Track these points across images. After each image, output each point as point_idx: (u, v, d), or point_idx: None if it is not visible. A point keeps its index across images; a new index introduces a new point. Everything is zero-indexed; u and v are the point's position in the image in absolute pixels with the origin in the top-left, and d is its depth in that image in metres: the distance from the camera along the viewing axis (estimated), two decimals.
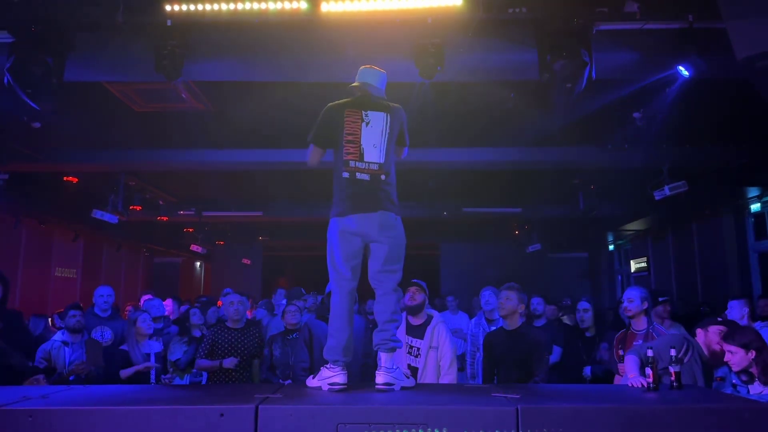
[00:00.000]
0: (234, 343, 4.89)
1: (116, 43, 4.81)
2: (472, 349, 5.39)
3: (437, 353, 4.16)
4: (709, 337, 3.54)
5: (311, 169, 3.28)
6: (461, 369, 5.33)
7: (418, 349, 4.18)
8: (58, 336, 4.99)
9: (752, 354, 3.26)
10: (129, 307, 7.34)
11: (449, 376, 4.14)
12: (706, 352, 3.56)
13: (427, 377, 4.11)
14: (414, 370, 4.08)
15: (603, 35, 4.55)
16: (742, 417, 2.47)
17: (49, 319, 7.25)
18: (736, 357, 3.30)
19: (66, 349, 4.82)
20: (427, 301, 4.35)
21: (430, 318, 4.28)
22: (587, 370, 4.83)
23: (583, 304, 5.17)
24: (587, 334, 5.09)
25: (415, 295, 4.25)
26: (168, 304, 7.31)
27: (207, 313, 6.63)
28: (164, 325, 6.22)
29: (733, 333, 3.39)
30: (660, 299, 6.02)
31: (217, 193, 11.62)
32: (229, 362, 4.76)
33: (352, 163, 3.12)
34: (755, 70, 3.89)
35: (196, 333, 5.90)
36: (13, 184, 8.38)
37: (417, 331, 4.25)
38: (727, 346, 3.35)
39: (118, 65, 5.00)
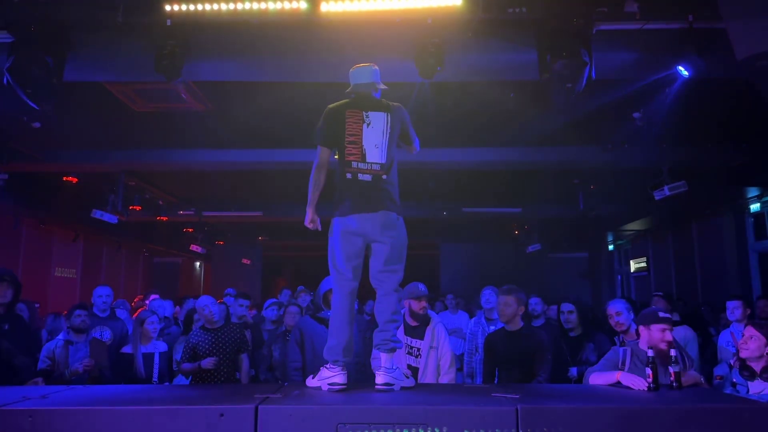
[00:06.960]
0: (214, 343, 4.87)
1: (116, 43, 4.81)
2: (471, 348, 5.40)
3: (437, 353, 4.20)
4: None
5: (328, 170, 3.25)
6: (459, 369, 5.32)
7: (418, 349, 4.20)
8: (62, 335, 5.00)
9: None
10: (141, 310, 7.23)
11: (449, 376, 4.18)
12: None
13: (427, 377, 4.14)
14: (414, 370, 4.09)
15: (603, 35, 4.54)
16: (742, 417, 2.47)
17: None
18: (753, 344, 3.29)
19: (70, 348, 4.82)
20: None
21: (428, 318, 4.30)
22: (573, 371, 4.78)
23: (566, 306, 5.08)
24: (571, 334, 5.02)
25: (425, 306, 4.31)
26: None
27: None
28: (165, 325, 6.22)
29: (765, 324, 3.38)
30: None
31: (217, 193, 11.63)
32: (207, 362, 4.73)
33: (354, 164, 3.13)
34: (755, 70, 3.89)
35: None
36: (13, 184, 8.38)
37: (416, 332, 4.26)
38: (749, 330, 3.33)
39: (118, 65, 4.99)
